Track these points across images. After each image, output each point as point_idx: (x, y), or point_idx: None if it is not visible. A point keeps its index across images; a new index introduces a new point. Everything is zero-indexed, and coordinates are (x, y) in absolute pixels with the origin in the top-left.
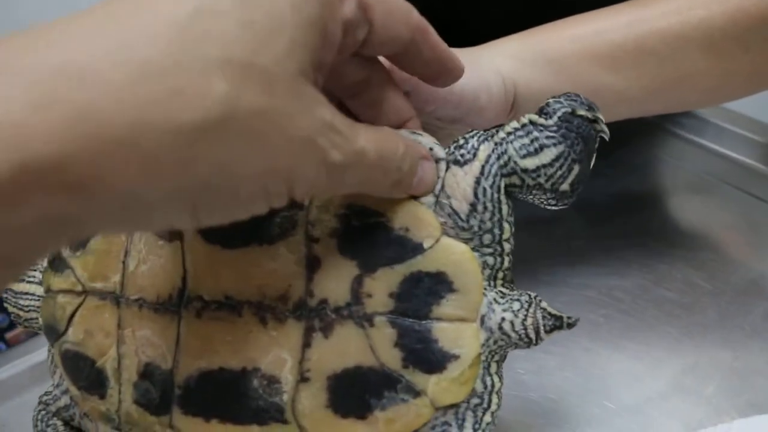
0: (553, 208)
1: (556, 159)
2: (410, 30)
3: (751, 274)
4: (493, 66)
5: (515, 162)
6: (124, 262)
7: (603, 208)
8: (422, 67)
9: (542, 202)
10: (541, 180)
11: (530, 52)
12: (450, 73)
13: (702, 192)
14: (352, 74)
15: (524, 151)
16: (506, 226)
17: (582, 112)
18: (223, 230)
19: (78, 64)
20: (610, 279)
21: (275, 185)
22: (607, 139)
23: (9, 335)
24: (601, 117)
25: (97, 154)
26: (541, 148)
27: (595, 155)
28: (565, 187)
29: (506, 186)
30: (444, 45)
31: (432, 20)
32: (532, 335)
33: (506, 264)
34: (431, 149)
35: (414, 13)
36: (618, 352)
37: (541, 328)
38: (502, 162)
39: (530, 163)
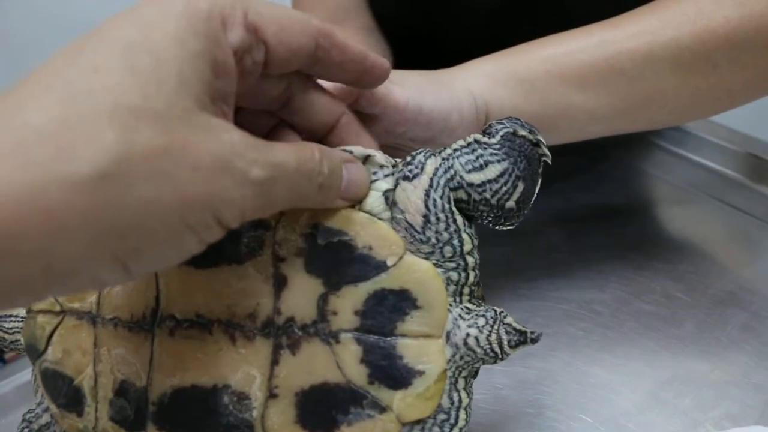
0: (502, 227)
1: (501, 175)
2: (311, 38)
3: (729, 286)
4: (465, 86)
5: (461, 176)
6: None
7: (584, 221)
8: (339, 72)
9: (491, 222)
10: (487, 195)
11: (502, 73)
12: (371, 72)
13: (683, 203)
14: (270, 89)
15: (470, 167)
16: (465, 237)
17: (523, 133)
18: None
19: None
20: (590, 292)
21: (197, 218)
22: (549, 162)
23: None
24: (542, 140)
25: (16, 219)
26: (486, 164)
27: (540, 179)
28: (510, 204)
29: (455, 201)
30: (356, 45)
31: (411, 39)
32: (497, 350)
33: (471, 279)
34: (372, 156)
35: (312, 21)
36: (596, 366)
37: (505, 343)
38: (449, 176)
39: (476, 177)
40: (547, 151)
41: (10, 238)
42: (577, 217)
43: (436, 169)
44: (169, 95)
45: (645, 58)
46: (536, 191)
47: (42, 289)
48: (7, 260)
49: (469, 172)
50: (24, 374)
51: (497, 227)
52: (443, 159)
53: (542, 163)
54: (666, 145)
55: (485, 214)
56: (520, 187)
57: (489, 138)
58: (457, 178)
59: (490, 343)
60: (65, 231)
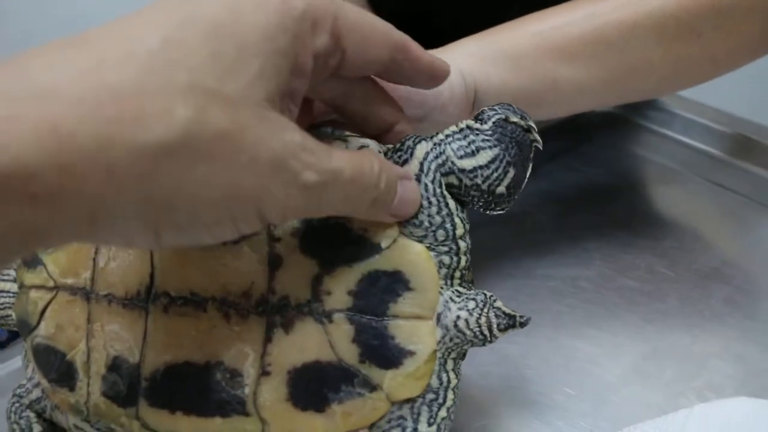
0: (492, 212)
1: (492, 161)
2: (389, 51)
3: (713, 261)
4: (454, 64)
5: (453, 162)
6: (94, 259)
7: (570, 201)
8: (406, 80)
9: (481, 207)
10: (478, 181)
11: (490, 50)
12: (434, 80)
13: (669, 183)
14: (331, 90)
15: (461, 152)
16: (458, 221)
17: (515, 120)
18: None
19: (50, 86)
20: (575, 269)
21: (241, 210)
22: (540, 148)
23: None
24: (533, 126)
25: (62, 165)
26: (478, 150)
27: (531, 164)
28: (501, 189)
29: (446, 186)
30: (426, 56)
31: (401, 17)
32: (486, 333)
33: (463, 263)
34: (366, 146)
35: (393, 35)
36: (580, 340)
37: (494, 326)
38: (440, 161)
39: (467, 163)
40: (538, 137)
41: (68, 180)
42: (563, 197)
43: (427, 154)
44: (245, 87)
45: (631, 28)
46: (527, 176)
47: (82, 236)
48: (61, 199)
49: (460, 158)
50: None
51: (488, 212)
52: (434, 144)
53: (533, 149)
54: (653, 127)
55: (476, 199)
56: (511, 173)
57: (481, 124)
58: (449, 163)
59: (479, 326)
60: (119, 189)
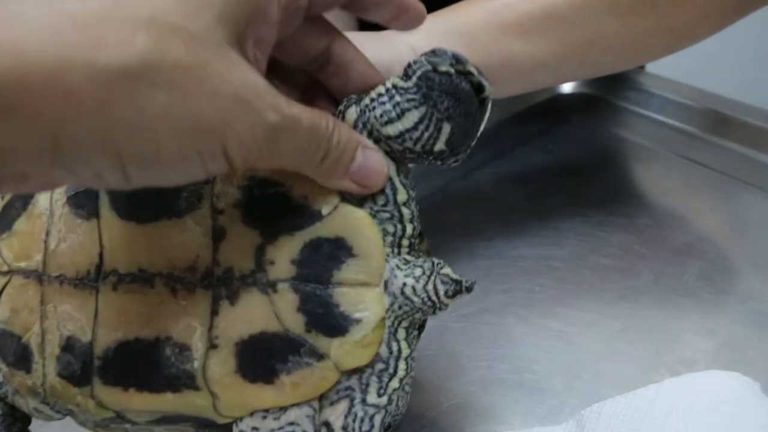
0: (447, 166)
1: (420, 122)
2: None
3: (688, 237)
4: (405, 41)
5: (378, 130)
6: (45, 242)
7: (543, 182)
8: (377, 11)
9: (430, 164)
10: (409, 144)
11: (441, 28)
12: (407, 13)
13: (646, 161)
14: (311, 46)
15: (385, 118)
16: (399, 186)
17: (444, 68)
18: (137, 206)
19: (16, 12)
20: (547, 249)
21: (206, 144)
22: (487, 87)
23: None
24: (472, 69)
25: (20, 83)
26: (403, 112)
27: (479, 110)
28: (439, 146)
29: (384, 152)
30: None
31: None
32: (434, 299)
33: (409, 231)
34: None
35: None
36: (551, 319)
37: (441, 292)
38: (368, 129)
39: (392, 130)
40: (484, 80)
41: (28, 104)
42: (536, 179)
43: (356, 121)
44: (207, 25)
45: (583, 2)
46: (478, 125)
47: (49, 164)
48: (22, 124)
49: (384, 125)
50: None
51: (441, 167)
52: (361, 111)
53: (482, 92)
54: (630, 107)
55: (418, 160)
56: (446, 128)
57: (406, 80)
58: (375, 131)
59: (426, 292)
60: (79, 113)
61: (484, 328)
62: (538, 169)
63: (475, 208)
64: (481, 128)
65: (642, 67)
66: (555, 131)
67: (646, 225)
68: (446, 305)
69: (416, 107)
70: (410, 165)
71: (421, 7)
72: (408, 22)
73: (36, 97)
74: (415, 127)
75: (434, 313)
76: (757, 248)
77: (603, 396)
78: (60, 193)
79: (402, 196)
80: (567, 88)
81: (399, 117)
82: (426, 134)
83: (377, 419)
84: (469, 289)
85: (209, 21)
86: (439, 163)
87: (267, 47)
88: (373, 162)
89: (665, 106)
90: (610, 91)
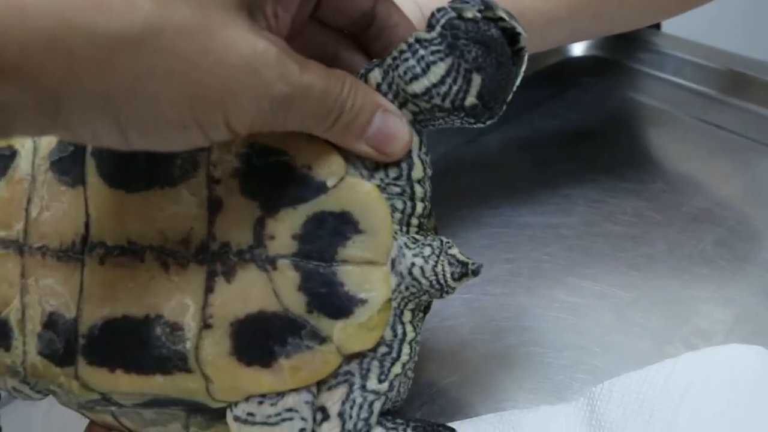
0: (481, 125)
1: (447, 74)
2: None
3: (705, 203)
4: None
5: (403, 89)
6: (26, 210)
7: (551, 147)
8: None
9: (465, 123)
10: (437, 101)
11: None
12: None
13: (659, 125)
14: (355, 6)
15: (409, 75)
16: (416, 161)
17: (470, 15)
18: (126, 173)
19: None
20: (556, 217)
21: (207, 113)
22: (522, 33)
23: None
24: (503, 14)
25: (22, 43)
26: (428, 66)
27: (514, 58)
28: (470, 101)
29: (412, 114)
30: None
31: None
32: (442, 281)
33: (419, 210)
34: None
35: None
36: (560, 289)
37: (449, 275)
38: (393, 91)
39: (417, 87)
40: (518, 25)
41: (30, 64)
42: (545, 144)
43: (379, 84)
44: (276, 40)
45: None
46: (511, 76)
47: (49, 123)
48: (23, 82)
49: (409, 82)
50: None
51: (476, 126)
52: (385, 72)
53: (517, 42)
54: (644, 69)
55: (449, 119)
56: (477, 79)
57: (430, 32)
58: (401, 91)
59: (435, 274)
60: (79, 76)
61: (488, 300)
62: (546, 134)
63: (481, 175)
64: (518, 81)
65: (657, 27)
66: (565, 95)
67: (660, 191)
68: (453, 289)
69: (442, 59)
70: (440, 126)
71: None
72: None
73: (38, 57)
74: (442, 81)
75: (441, 296)
76: None
77: (614, 371)
78: (42, 158)
79: (418, 172)
80: (577, 50)
81: (424, 72)
82: (455, 87)
83: (376, 406)
84: (475, 273)
85: None
86: (472, 120)
87: (287, 14)
88: (393, 127)
89: (681, 68)
90: (622, 53)
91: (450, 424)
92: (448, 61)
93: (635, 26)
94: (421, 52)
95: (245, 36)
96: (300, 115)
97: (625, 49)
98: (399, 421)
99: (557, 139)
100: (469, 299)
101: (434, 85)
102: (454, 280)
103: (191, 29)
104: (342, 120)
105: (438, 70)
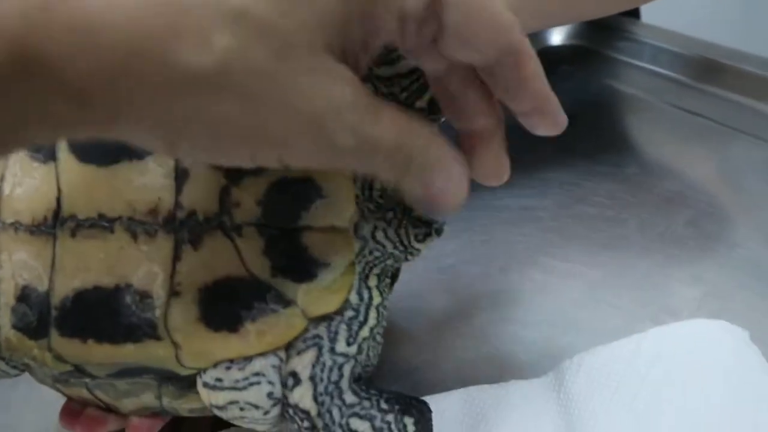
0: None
1: (413, 71)
2: (496, 51)
3: (677, 186)
4: None
5: (372, 68)
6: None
7: (529, 133)
8: (507, 95)
9: None
10: (395, 90)
11: None
12: (542, 116)
13: (635, 111)
14: (431, 62)
15: (381, 59)
16: None
17: None
18: (96, 149)
19: None
20: (531, 199)
21: (262, 151)
22: None
23: None
24: None
25: (92, 66)
26: (398, 58)
27: None
28: (421, 104)
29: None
30: (541, 82)
31: None
32: (406, 243)
33: None
34: None
35: (511, 35)
36: (532, 269)
37: (412, 236)
38: None
39: (385, 71)
40: None
41: (94, 88)
42: (522, 130)
43: None
44: (302, 25)
45: None
46: None
47: (103, 131)
48: (88, 96)
49: (379, 64)
50: None
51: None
52: None
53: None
54: (622, 57)
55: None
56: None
57: None
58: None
59: (399, 236)
60: (139, 101)
61: (462, 280)
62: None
63: None
64: None
65: (636, 17)
66: None
67: (634, 174)
68: (418, 250)
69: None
70: None
71: (563, 122)
72: (535, 123)
73: (102, 81)
74: (407, 75)
75: (407, 259)
76: (747, 196)
77: (584, 347)
78: None
79: None
80: (556, 39)
81: (393, 62)
82: (414, 86)
83: (346, 369)
84: (438, 232)
85: (306, 19)
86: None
87: (373, 49)
88: (457, 189)
89: (658, 56)
90: (601, 43)
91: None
92: None
93: (605, 13)
94: None
95: (322, 82)
96: (365, 162)
97: (603, 38)
98: (373, 391)
99: None
100: (444, 280)
101: (399, 75)
102: (419, 241)
103: (265, 72)
104: (405, 180)
105: (407, 64)
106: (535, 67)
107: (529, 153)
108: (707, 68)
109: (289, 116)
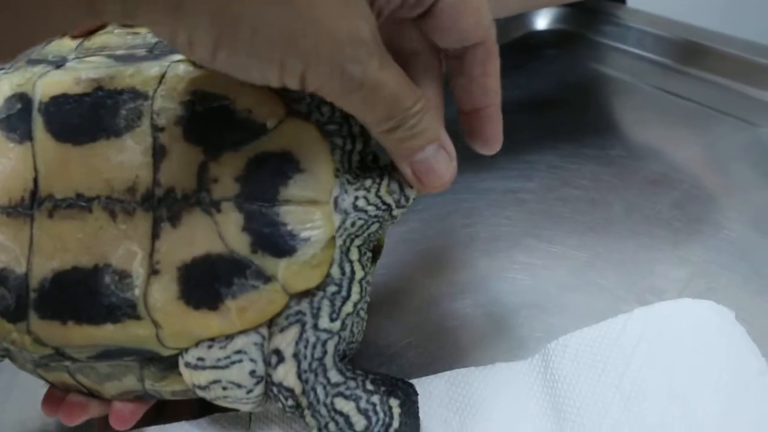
0: None
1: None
2: (476, 38)
3: (662, 168)
4: None
5: None
6: None
7: (514, 117)
8: (460, 90)
9: None
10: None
11: None
12: (478, 123)
13: (619, 94)
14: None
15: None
16: None
17: None
18: (73, 127)
19: None
20: (516, 181)
21: (290, 61)
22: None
23: None
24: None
25: None
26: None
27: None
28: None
29: None
30: (497, 84)
31: None
32: (389, 201)
33: (359, 146)
34: None
35: (490, 31)
36: (518, 251)
37: (393, 201)
38: None
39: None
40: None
41: None
42: (508, 113)
43: None
44: (373, 29)
45: None
46: None
47: (166, 16)
48: None
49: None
50: None
51: None
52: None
53: None
54: (607, 41)
55: None
56: None
57: None
58: None
59: (380, 198)
60: None
61: (447, 262)
62: (510, 104)
63: None
64: None
65: (622, 1)
66: (528, 67)
67: (619, 156)
68: (403, 206)
69: None
70: None
71: (495, 145)
72: (470, 129)
73: None
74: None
75: (391, 218)
76: (732, 178)
77: (570, 329)
78: None
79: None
80: (541, 24)
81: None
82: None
83: (330, 345)
84: (407, 197)
85: (374, 25)
86: None
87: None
88: (441, 164)
89: (642, 40)
90: (586, 27)
91: None
92: None
93: None
94: None
95: (352, 14)
96: (362, 102)
97: (588, 22)
98: (359, 371)
99: (520, 108)
100: (429, 263)
101: None
102: (398, 207)
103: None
104: (398, 133)
105: None
106: (497, 67)
107: (513, 135)
108: (691, 51)
109: (320, 32)
